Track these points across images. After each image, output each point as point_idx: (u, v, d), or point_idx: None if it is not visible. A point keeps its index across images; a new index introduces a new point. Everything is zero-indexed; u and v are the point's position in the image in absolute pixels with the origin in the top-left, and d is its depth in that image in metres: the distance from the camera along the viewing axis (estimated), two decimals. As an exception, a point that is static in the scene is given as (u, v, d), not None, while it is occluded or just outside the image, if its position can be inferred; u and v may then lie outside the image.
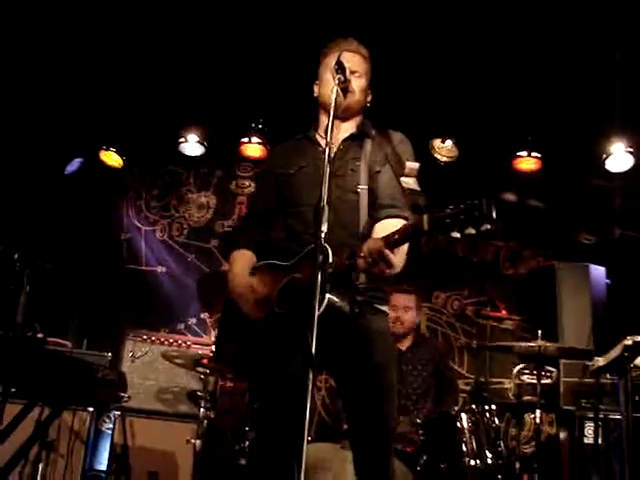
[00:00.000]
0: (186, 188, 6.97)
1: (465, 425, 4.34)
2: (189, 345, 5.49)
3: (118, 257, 6.80)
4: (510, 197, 6.15)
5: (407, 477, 4.22)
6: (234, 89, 5.97)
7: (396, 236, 2.75)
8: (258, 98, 6.05)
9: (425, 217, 2.66)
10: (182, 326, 6.52)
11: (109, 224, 6.85)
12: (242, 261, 3.20)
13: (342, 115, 3.18)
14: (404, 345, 5.28)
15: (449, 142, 6.01)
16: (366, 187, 3.13)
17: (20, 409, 3.99)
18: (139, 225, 6.91)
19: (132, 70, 5.87)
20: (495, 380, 5.83)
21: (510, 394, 5.80)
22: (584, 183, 6.09)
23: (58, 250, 6.05)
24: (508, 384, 5.83)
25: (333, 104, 2.97)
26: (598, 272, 5.54)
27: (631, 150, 5.79)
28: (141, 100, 6.14)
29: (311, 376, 2.51)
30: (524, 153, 6.03)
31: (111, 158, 6.46)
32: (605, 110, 5.60)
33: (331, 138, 2.91)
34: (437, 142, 6.02)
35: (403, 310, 5.28)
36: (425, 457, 4.33)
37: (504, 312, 5.30)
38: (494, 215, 2.59)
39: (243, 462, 4.59)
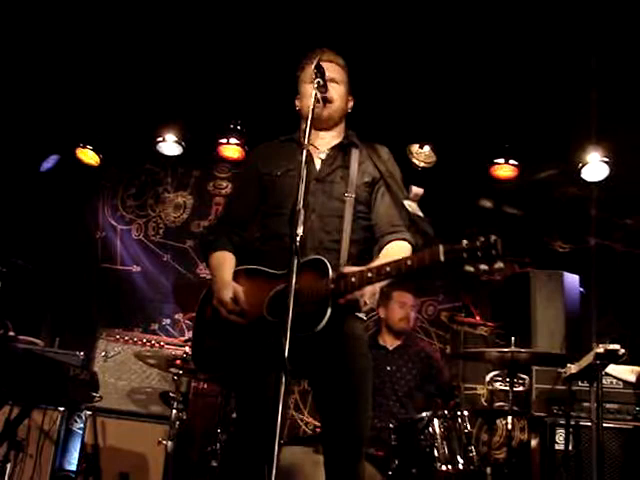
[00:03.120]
0: (163, 187, 6.93)
1: (437, 430, 4.34)
2: (162, 345, 5.44)
3: (93, 256, 6.72)
4: (486, 203, 6.18)
5: (376, 480, 4.23)
6: (212, 89, 5.94)
7: (409, 262, 2.80)
8: (236, 99, 6.02)
9: (441, 248, 2.73)
10: (156, 326, 6.48)
11: (84, 222, 6.78)
12: (224, 263, 3.18)
13: (325, 125, 3.24)
14: (392, 344, 5.29)
15: (427, 147, 6.02)
16: (353, 196, 3.15)
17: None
18: (114, 224, 6.85)
19: (110, 67, 5.79)
20: (468, 386, 5.86)
21: (482, 400, 5.83)
22: (560, 191, 6.14)
23: (32, 248, 6.01)
24: (481, 390, 5.86)
25: (311, 107, 2.99)
26: (572, 280, 5.57)
27: (606, 160, 5.83)
28: (119, 98, 6.06)
29: (284, 381, 2.52)
30: (501, 160, 6.06)
31: (87, 156, 6.40)
32: (581, 119, 5.65)
33: (308, 142, 2.93)
34: (415, 147, 6.04)
35: (411, 308, 5.30)
36: (397, 461, 4.35)
37: (478, 318, 5.33)
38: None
39: (214, 464, 4.57)
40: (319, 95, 3.06)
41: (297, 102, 3.34)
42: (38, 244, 6.22)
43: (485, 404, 5.68)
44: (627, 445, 4.85)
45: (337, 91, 3.24)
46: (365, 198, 3.20)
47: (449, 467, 4.26)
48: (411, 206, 3.17)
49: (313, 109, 3.00)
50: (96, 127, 6.32)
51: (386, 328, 5.36)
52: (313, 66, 3.04)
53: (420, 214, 3.19)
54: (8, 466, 4.54)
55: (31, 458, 4.81)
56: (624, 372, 4.96)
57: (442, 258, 2.73)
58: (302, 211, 2.74)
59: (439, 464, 4.26)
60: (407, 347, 5.32)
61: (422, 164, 6.05)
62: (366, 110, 5.62)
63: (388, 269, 2.86)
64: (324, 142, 3.25)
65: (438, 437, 4.33)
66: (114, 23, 5.46)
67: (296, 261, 2.67)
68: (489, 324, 5.37)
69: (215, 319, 3.09)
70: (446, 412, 4.41)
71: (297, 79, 3.35)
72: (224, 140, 6.32)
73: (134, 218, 6.89)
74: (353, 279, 2.87)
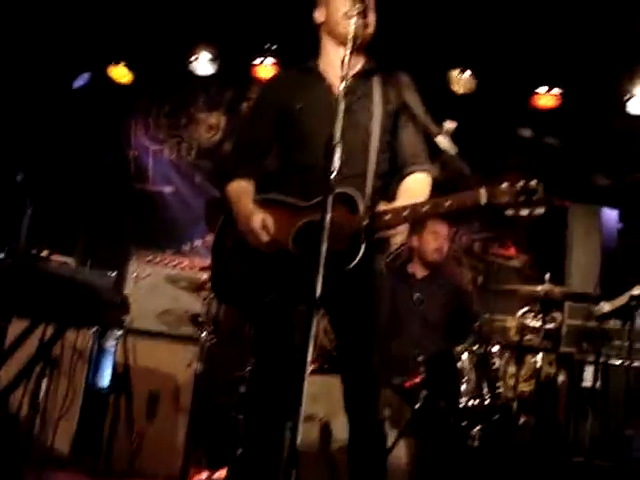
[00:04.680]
0: (196, 107, 6.82)
1: (465, 365, 4.34)
2: (193, 267, 5.45)
3: (125, 175, 6.70)
4: (526, 133, 6.02)
5: (404, 412, 4.26)
6: (247, 8, 5.76)
7: (448, 203, 2.74)
8: (271, 18, 5.84)
9: (483, 191, 2.68)
10: (187, 248, 6.45)
11: (117, 141, 6.72)
12: (245, 193, 3.10)
13: (354, 49, 3.06)
14: (421, 273, 5.19)
15: (467, 73, 5.83)
16: (379, 125, 3.03)
17: (24, 327, 4.02)
18: (147, 144, 6.79)
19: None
20: (498, 317, 5.82)
21: (512, 333, 5.80)
22: (603, 123, 5.94)
23: (65, 166, 6.01)
24: (511, 322, 5.82)
25: (352, 36, 2.83)
26: (610, 215, 5.46)
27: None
28: (152, 15, 5.90)
29: (315, 319, 2.50)
30: (544, 89, 5.86)
31: (120, 73, 6.30)
32: (629, 49, 5.43)
33: (348, 68, 2.79)
34: (455, 73, 5.86)
35: (444, 239, 5.19)
36: (425, 393, 4.37)
37: (512, 250, 5.26)
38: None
39: (243, 390, 4.62)
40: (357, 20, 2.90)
41: (318, 15, 3.14)
42: (71, 163, 6.19)
43: (514, 337, 5.64)
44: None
45: (372, 16, 3.08)
46: (389, 127, 3.07)
47: (475, 402, 4.28)
48: (444, 143, 3.06)
49: (354, 37, 2.84)
50: (129, 44, 6.19)
51: (418, 258, 5.29)
52: None
53: (453, 151, 3.08)
54: (44, 383, 4.67)
55: (65, 375, 4.95)
56: None
57: (484, 201, 2.69)
58: (339, 146, 2.65)
59: (466, 398, 4.28)
60: (437, 277, 5.24)
61: (462, 90, 5.87)
62: (406, 33, 5.52)
63: (426, 209, 2.81)
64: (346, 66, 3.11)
65: (466, 371, 4.34)
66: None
67: (331, 198, 2.61)
68: (523, 257, 5.30)
69: (237, 248, 3.05)
70: (475, 347, 4.40)
71: None
72: (259, 61, 6.18)
73: (167, 138, 6.81)
74: (388, 217, 2.82)
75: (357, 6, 2.86)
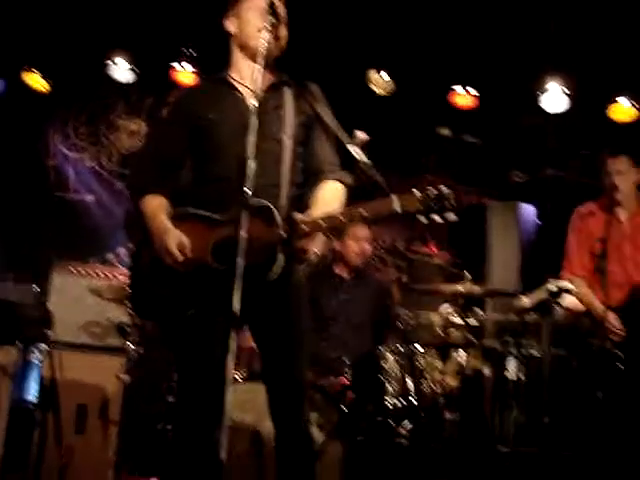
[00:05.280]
0: (116, 114, 6.74)
1: (390, 366, 4.41)
2: (117, 277, 5.39)
3: (45, 184, 6.58)
4: (445, 132, 6.13)
5: (332, 415, 4.31)
6: (163, 13, 5.72)
7: (363, 213, 2.78)
8: (188, 23, 5.82)
9: (395, 199, 2.72)
10: (111, 256, 6.36)
11: (35, 150, 6.60)
12: (160, 208, 3.08)
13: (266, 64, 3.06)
14: (348, 274, 5.25)
15: (385, 75, 5.91)
16: (290, 137, 3.06)
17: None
18: (66, 152, 6.68)
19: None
20: (423, 314, 5.91)
21: (437, 328, 5.90)
22: (519, 121, 6.10)
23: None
24: (435, 317, 5.93)
25: (263, 52, 2.86)
26: (528, 210, 5.62)
27: (567, 92, 5.80)
28: (68, 22, 5.81)
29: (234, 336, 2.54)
30: (460, 88, 5.98)
31: (35, 81, 6.18)
32: (542, 48, 5.59)
33: (261, 81, 2.83)
34: (373, 74, 5.92)
35: (365, 242, 5.24)
36: (352, 396, 4.42)
37: (433, 248, 5.36)
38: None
39: (171, 399, 4.61)
40: (269, 35, 2.94)
41: (230, 25, 3.15)
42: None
43: (440, 332, 5.75)
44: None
45: (284, 30, 3.10)
46: (302, 138, 3.12)
47: (402, 401, 4.36)
48: (357, 152, 3.10)
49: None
50: (44, 51, 6.07)
51: (341, 261, 5.35)
52: (264, 3, 2.92)
53: (366, 160, 3.12)
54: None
55: (-12, 393, 4.85)
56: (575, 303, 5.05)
57: (398, 209, 2.73)
58: (252, 158, 2.68)
59: (392, 398, 4.36)
60: (363, 278, 5.32)
61: (380, 91, 5.95)
62: (324, 35, 5.57)
63: (341, 218, 2.85)
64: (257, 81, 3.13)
65: (392, 372, 4.40)
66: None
67: (245, 213, 2.63)
68: (445, 254, 5.41)
69: (155, 265, 3.02)
70: (399, 347, 4.47)
71: (233, 1, 3.14)
72: (177, 65, 6.15)
73: (86, 146, 6.72)
74: (305, 227, 2.85)
75: (268, 21, 2.91)
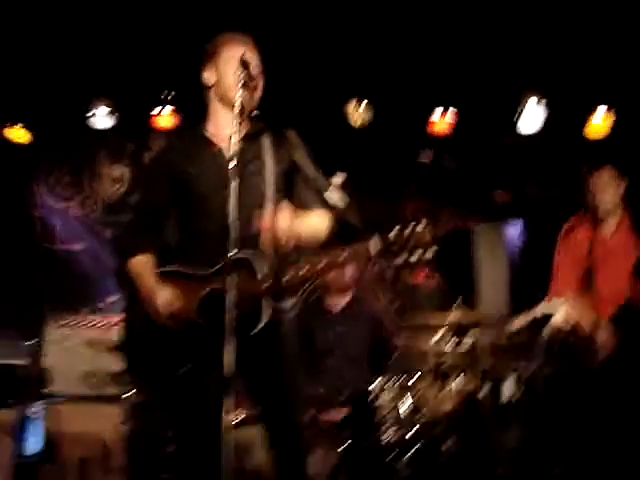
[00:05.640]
0: (98, 162, 6.77)
1: (385, 400, 4.45)
2: (111, 326, 5.43)
3: (33, 236, 6.62)
4: (425, 159, 6.20)
5: (330, 459, 4.34)
6: (141, 60, 5.76)
7: (343, 256, 2.87)
8: (167, 68, 5.85)
9: (372, 243, 2.80)
10: (103, 304, 6.30)
11: (21, 203, 6.63)
12: (146, 268, 3.11)
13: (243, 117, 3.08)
14: (339, 305, 5.28)
15: (363, 106, 5.97)
16: (272, 185, 3.09)
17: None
18: (52, 203, 6.71)
19: (35, 39, 5.56)
20: (416, 344, 5.94)
21: (431, 356, 5.94)
22: (498, 141, 6.17)
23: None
24: (428, 346, 5.97)
25: (238, 107, 2.91)
26: (513, 230, 5.68)
27: (543, 108, 5.87)
28: (47, 73, 5.83)
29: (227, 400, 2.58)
30: (438, 115, 6.05)
31: (18, 134, 6.24)
32: (517, 68, 5.66)
33: (239, 136, 2.88)
34: (351, 106, 5.98)
35: (356, 268, 5.26)
36: (348, 433, 4.46)
37: (422, 276, 5.41)
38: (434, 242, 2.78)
39: (171, 449, 4.63)
40: (243, 94, 2.97)
41: (208, 77, 3.15)
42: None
43: (433, 360, 5.80)
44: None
45: (260, 82, 3.15)
46: (282, 186, 3.14)
47: (398, 435, 4.40)
48: (334, 198, 3.14)
49: (242, 108, 2.94)
50: (25, 104, 6.12)
51: (333, 290, 5.35)
52: (238, 58, 2.95)
53: (343, 203, 3.16)
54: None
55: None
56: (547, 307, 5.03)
57: (376, 249, 2.81)
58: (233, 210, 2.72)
59: (388, 433, 4.40)
60: (355, 309, 5.35)
61: (359, 122, 6.01)
62: (300, 71, 5.62)
63: (322, 264, 2.92)
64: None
65: (386, 406, 4.45)
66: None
67: (230, 277, 2.68)
68: (433, 280, 5.46)
69: (146, 325, 3.05)
70: (394, 381, 4.51)
71: (211, 52, 3.15)
72: (156, 111, 6.21)
73: (72, 195, 6.74)
74: (287, 277, 2.91)
75: (242, 77, 2.95)
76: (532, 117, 5.89)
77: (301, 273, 2.91)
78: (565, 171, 5.82)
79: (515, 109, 5.94)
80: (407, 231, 2.79)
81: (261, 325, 2.89)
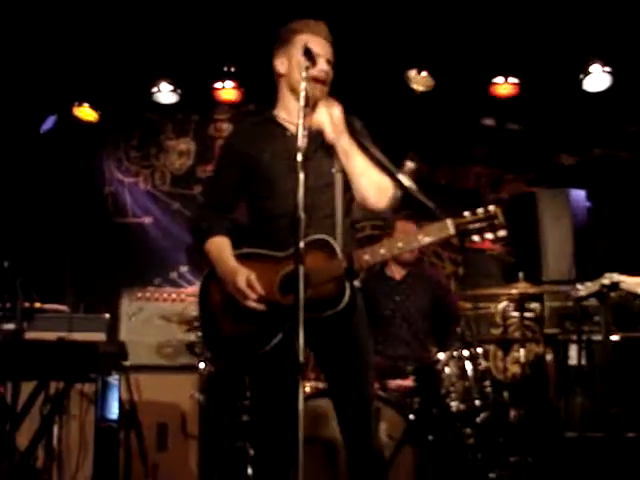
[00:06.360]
0: (164, 136, 6.87)
1: (452, 371, 4.52)
2: (183, 299, 5.61)
3: (104, 212, 6.77)
4: (489, 122, 6.15)
5: (399, 423, 4.46)
6: (203, 33, 5.82)
7: (420, 237, 2.98)
8: (228, 41, 5.91)
9: (449, 222, 2.94)
10: (175, 274, 6.57)
11: (92, 180, 6.78)
12: (225, 249, 3.21)
13: (312, 106, 3.15)
14: (399, 274, 5.36)
15: (424, 72, 5.94)
16: (340, 170, 3.16)
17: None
18: (121, 177, 6.85)
19: (98, 22, 5.66)
20: (482, 305, 6.00)
21: (497, 318, 5.98)
22: (562, 103, 6.06)
23: (42, 212, 6.09)
24: (494, 308, 6.00)
25: (304, 99, 2.95)
26: (579, 196, 5.61)
27: (609, 70, 5.75)
28: (110, 51, 5.96)
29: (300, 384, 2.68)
30: (500, 79, 5.98)
31: (85, 113, 6.37)
32: (582, 29, 5.55)
33: (304, 127, 2.92)
34: (413, 73, 5.95)
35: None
36: (417, 403, 4.57)
37: (486, 242, 5.40)
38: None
39: (245, 419, 4.82)
40: (308, 87, 3.01)
41: (279, 65, 3.23)
42: (48, 207, 6.30)
43: (500, 322, 5.83)
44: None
45: (330, 71, 3.20)
46: None
47: (466, 405, 4.50)
48: (406, 180, 3.20)
49: (307, 98, 2.98)
50: (91, 83, 6.24)
51: (392, 259, 5.41)
52: (303, 52, 2.98)
53: (415, 188, 3.23)
54: (55, 428, 4.86)
55: (75, 419, 5.10)
56: (635, 285, 5.06)
57: (453, 232, 2.93)
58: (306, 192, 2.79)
59: (456, 402, 4.49)
60: (415, 275, 5.41)
61: (421, 88, 5.98)
62: (362, 39, 5.61)
63: (400, 245, 3.02)
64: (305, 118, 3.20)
65: (454, 377, 4.53)
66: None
67: (301, 246, 2.73)
68: (498, 246, 5.46)
69: (226, 305, 3.15)
70: (460, 352, 4.58)
71: (284, 39, 3.21)
72: (219, 84, 6.29)
73: (139, 169, 6.87)
74: (366, 257, 2.99)
75: (305, 67, 2.99)
76: (598, 78, 5.78)
77: (381, 252, 2.98)
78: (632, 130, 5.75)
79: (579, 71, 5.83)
80: (480, 211, 2.91)
81: (342, 306, 2.96)
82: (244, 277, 3.06)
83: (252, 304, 3.06)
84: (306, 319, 2.66)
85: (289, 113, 3.23)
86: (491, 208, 2.92)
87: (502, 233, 2.93)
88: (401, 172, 3.22)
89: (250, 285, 3.05)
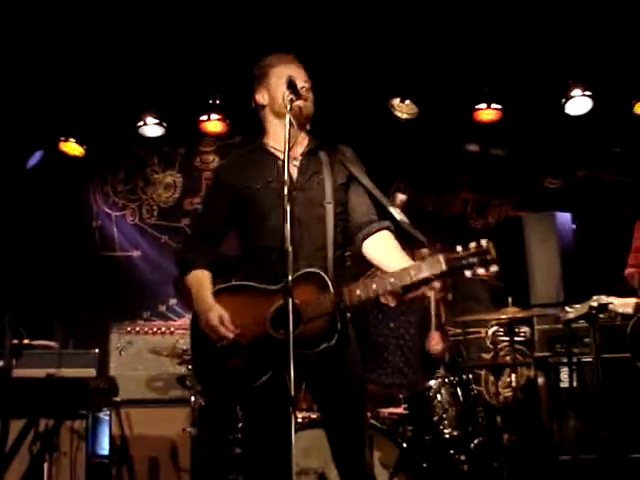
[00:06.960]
0: (151, 169, 6.91)
1: (444, 398, 4.53)
2: (172, 332, 5.60)
3: (92, 246, 6.78)
4: (473, 148, 6.20)
5: (393, 454, 4.44)
6: (187, 67, 5.86)
7: (412, 273, 2.89)
8: (213, 74, 5.97)
9: (441, 258, 2.86)
10: (164, 307, 6.59)
11: (79, 214, 6.79)
12: (203, 283, 3.20)
13: (301, 127, 3.21)
14: (393, 302, 5.28)
15: (408, 100, 5.99)
16: (332, 201, 3.17)
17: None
18: (109, 211, 6.87)
19: (83, 59, 5.71)
20: (472, 330, 6.02)
21: (487, 342, 6.00)
22: (545, 128, 6.13)
23: (30, 247, 6.08)
24: (484, 333, 6.02)
25: (288, 127, 2.97)
26: (564, 219, 5.65)
27: (589, 94, 5.83)
28: (95, 86, 5.98)
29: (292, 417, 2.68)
30: (483, 105, 6.04)
31: (71, 148, 6.39)
32: (562, 55, 5.62)
33: (288, 157, 2.93)
34: (396, 101, 6.01)
35: None
36: (410, 429, 4.56)
37: (478, 274, 5.42)
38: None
39: (237, 451, 4.79)
40: (293, 120, 3.05)
41: (260, 98, 3.25)
42: (36, 242, 6.28)
43: (490, 346, 5.85)
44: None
45: (311, 97, 3.22)
46: (342, 200, 3.22)
47: (458, 431, 4.49)
48: (397, 213, 3.22)
49: (292, 124, 3.00)
50: (76, 118, 6.26)
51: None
52: (286, 85, 3.02)
53: (407, 220, 3.25)
54: (45, 466, 4.81)
55: (66, 456, 5.08)
56: (623, 306, 5.08)
57: (445, 268, 2.85)
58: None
59: (449, 429, 4.48)
60: (408, 303, 5.41)
61: (405, 116, 6.03)
62: (345, 69, 5.66)
63: (392, 280, 2.95)
64: (295, 148, 3.21)
65: (446, 404, 4.53)
66: (84, 11, 5.33)
67: (290, 279, 2.75)
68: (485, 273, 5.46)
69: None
70: (451, 378, 4.58)
71: (261, 75, 3.24)
72: (205, 117, 6.33)
73: (127, 203, 6.89)
74: (358, 292, 2.95)
75: (288, 98, 3.02)
76: (579, 101, 5.85)
77: (373, 288, 2.94)
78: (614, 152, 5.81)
79: (561, 95, 5.91)
80: (472, 246, 2.85)
81: (332, 342, 2.94)
82: (216, 314, 3.05)
83: (223, 342, 3.05)
84: (297, 355, 2.67)
85: (278, 141, 3.19)
86: (483, 243, 2.86)
87: (494, 269, 2.86)
88: (392, 205, 3.24)
89: (222, 323, 3.04)
